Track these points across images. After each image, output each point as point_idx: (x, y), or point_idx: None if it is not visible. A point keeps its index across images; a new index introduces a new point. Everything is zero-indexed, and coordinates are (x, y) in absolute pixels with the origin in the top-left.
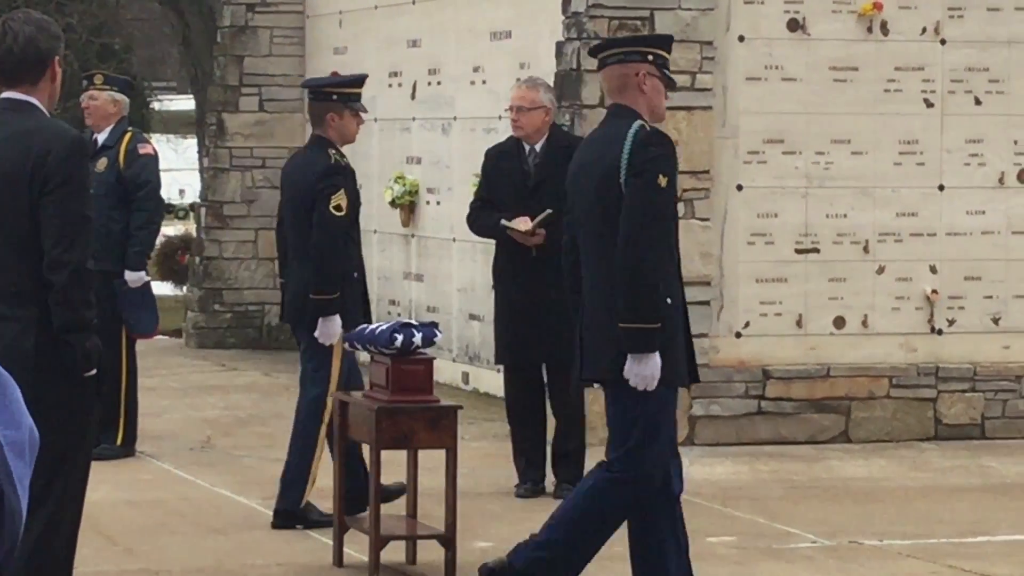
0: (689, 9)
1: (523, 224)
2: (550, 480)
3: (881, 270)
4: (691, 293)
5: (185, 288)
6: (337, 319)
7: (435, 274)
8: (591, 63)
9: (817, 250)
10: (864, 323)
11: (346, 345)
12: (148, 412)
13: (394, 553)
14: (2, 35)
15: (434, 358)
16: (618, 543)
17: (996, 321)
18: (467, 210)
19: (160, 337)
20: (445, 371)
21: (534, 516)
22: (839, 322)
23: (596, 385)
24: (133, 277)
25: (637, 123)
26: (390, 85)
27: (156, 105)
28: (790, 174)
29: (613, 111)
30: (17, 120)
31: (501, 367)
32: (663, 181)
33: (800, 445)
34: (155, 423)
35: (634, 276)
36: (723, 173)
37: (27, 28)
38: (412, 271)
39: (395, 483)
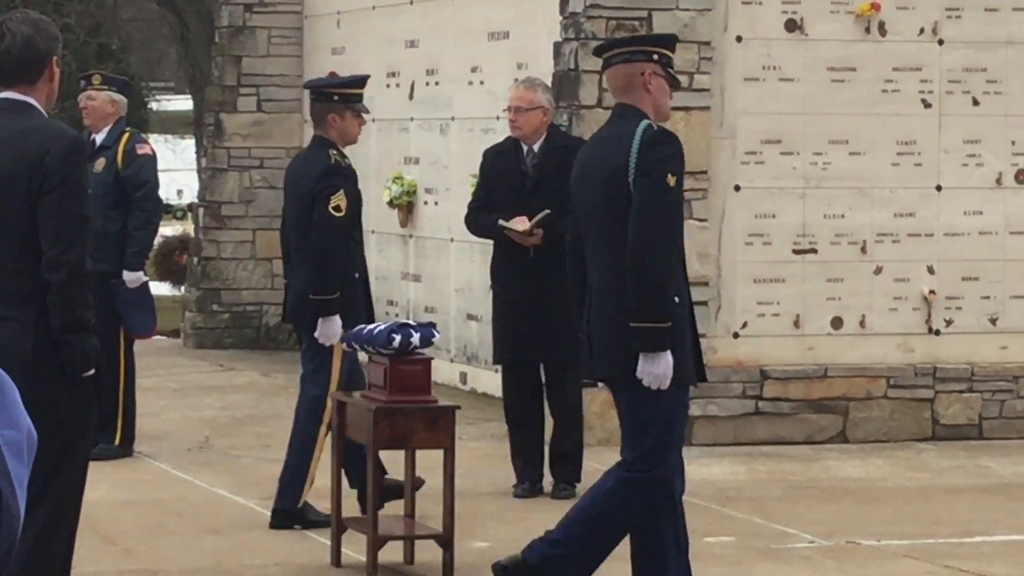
0: (687, 9)
1: (521, 224)
2: (548, 480)
3: (879, 270)
4: None
5: (183, 288)
6: (337, 319)
7: (433, 274)
8: (589, 63)
9: (815, 250)
10: (862, 323)
11: (344, 345)
12: (146, 412)
13: (392, 553)
14: (0, 35)
15: (432, 358)
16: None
17: (994, 321)
18: (465, 210)
19: (158, 337)
20: (443, 371)
21: (532, 516)
22: (837, 322)
23: (600, 385)
24: (131, 277)
25: (644, 122)
26: (388, 85)
27: (154, 105)
28: (788, 174)
29: (618, 111)
30: (15, 120)
31: (499, 367)
32: (672, 180)
33: (798, 445)
34: (153, 423)
35: (644, 275)
36: (721, 173)
37: (25, 28)
38: (410, 271)
39: (395, 480)
